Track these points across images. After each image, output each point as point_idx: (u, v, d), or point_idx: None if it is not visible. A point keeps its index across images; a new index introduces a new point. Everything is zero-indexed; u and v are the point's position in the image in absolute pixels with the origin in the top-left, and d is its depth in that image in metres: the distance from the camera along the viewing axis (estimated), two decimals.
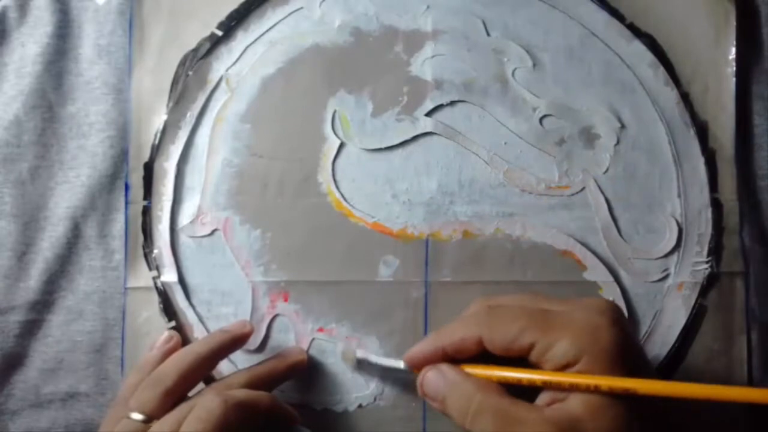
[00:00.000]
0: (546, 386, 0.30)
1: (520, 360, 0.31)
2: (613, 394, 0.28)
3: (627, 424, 0.28)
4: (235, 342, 0.41)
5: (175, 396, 0.36)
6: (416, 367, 0.34)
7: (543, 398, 0.30)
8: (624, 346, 0.29)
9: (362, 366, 0.43)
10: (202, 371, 0.38)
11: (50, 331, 0.44)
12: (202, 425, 0.32)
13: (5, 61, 0.45)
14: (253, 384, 0.38)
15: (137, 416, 0.34)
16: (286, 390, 0.44)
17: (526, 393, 0.31)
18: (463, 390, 0.31)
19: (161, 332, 0.43)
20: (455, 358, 0.33)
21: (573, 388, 0.29)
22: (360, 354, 0.42)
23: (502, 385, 0.31)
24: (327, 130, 0.45)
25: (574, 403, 0.28)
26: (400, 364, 0.37)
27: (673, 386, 0.28)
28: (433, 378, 0.33)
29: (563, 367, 0.29)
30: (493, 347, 0.31)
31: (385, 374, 0.43)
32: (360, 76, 0.45)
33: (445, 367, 0.32)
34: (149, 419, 0.34)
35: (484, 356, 0.32)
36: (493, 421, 0.29)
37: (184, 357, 0.38)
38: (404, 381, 0.43)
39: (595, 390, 0.28)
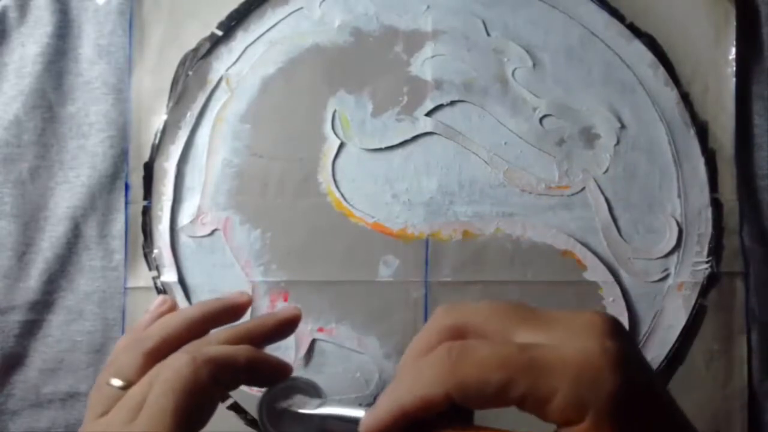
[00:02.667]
0: None
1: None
2: None
3: None
4: (229, 310, 0.37)
5: (156, 359, 0.32)
6: None
7: None
8: (631, 388, 0.24)
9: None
10: (189, 336, 0.34)
11: (50, 331, 0.44)
12: (169, 386, 0.29)
13: (5, 61, 0.45)
14: (236, 341, 0.33)
15: (116, 382, 0.31)
16: None
17: None
18: None
19: None
20: (421, 419, 0.25)
21: None
22: (314, 411, 0.33)
23: None
24: (327, 130, 0.45)
25: None
26: (359, 416, 0.28)
27: None
28: None
29: (566, 423, 0.24)
30: (466, 402, 0.24)
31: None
32: (360, 76, 0.45)
33: None
34: (128, 385, 0.31)
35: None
36: None
37: (171, 320, 0.35)
38: None
39: None
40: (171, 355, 0.32)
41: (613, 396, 0.23)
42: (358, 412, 0.29)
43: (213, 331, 0.35)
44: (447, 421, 0.25)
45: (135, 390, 0.30)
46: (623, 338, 0.24)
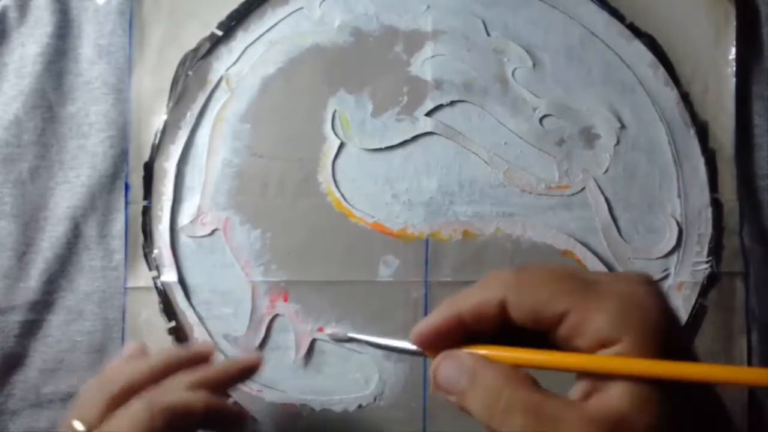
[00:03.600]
0: (584, 372, 0.25)
1: (541, 339, 0.26)
2: (662, 383, 0.23)
3: (681, 417, 0.24)
4: (193, 360, 0.37)
5: (117, 405, 0.33)
6: (426, 345, 0.28)
7: (579, 388, 0.25)
8: (673, 325, 0.24)
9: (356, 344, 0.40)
10: (152, 382, 0.35)
11: (50, 331, 0.44)
12: None
13: (5, 61, 0.45)
14: (197, 387, 0.35)
15: (78, 426, 0.32)
16: (287, 390, 0.44)
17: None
18: (487, 382, 0.25)
19: (161, 332, 0.43)
20: (474, 331, 0.27)
21: (617, 376, 0.24)
22: (352, 335, 0.37)
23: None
24: (327, 130, 0.45)
25: (618, 396, 0.24)
26: (406, 345, 0.29)
27: (734, 371, 0.23)
28: (449, 367, 0.26)
29: (600, 345, 0.24)
30: (519, 313, 0.25)
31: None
32: (360, 76, 0.45)
33: (465, 354, 0.26)
34: (89, 429, 0.32)
35: (503, 334, 0.27)
36: (525, 421, 0.24)
37: (136, 366, 0.36)
38: (404, 380, 0.43)
39: (644, 379, 0.23)
40: (129, 402, 0.33)
41: (654, 324, 0.24)
42: (404, 342, 0.30)
43: (176, 377, 0.35)
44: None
45: None
46: (662, 290, 0.27)
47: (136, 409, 0.32)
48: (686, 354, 0.25)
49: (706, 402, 0.25)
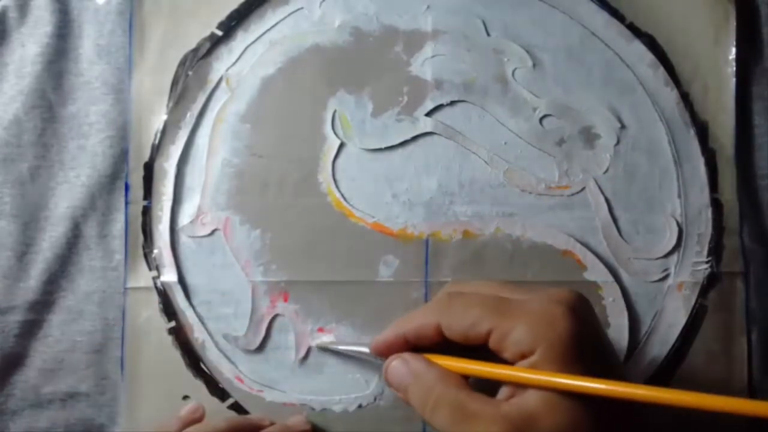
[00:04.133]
0: (503, 381, 0.29)
1: (487, 347, 0.31)
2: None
3: (585, 422, 0.28)
4: (253, 428, 0.41)
5: None
6: (381, 354, 0.34)
7: (504, 391, 0.30)
8: (581, 336, 0.28)
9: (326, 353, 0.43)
10: None
11: (50, 331, 0.44)
12: None
13: (5, 61, 0.45)
14: None
15: None
16: (287, 390, 0.44)
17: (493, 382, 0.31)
18: (424, 381, 0.31)
19: (161, 332, 0.43)
20: (418, 346, 0.33)
21: (529, 385, 0.28)
22: (319, 342, 0.43)
23: (467, 377, 0.31)
24: (327, 130, 0.45)
25: (532, 399, 0.28)
26: (365, 350, 0.37)
27: (629, 388, 0.27)
28: (397, 367, 0.32)
29: (520, 356, 0.29)
30: (451, 334, 0.31)
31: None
32: (360, 76, 0.45)
33: (409, 356, 0.32)
34: None
35: (450, 345, 0.32)
36: (449, 415, 0.29)
37: (199, 430, 0.39)
38: None
39: (550, 388, 0.28)
40: None
41: (560, 337, 0.28)
42: (362, 348, 0.39)
43: None
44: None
45: None
46: (582, 304, 0.30)
47: None
48: (602, 362, 0.29)
49: (615, 410, 0.28)
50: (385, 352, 0.34)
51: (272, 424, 0.42)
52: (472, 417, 0.28)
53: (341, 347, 0.43)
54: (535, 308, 0.29)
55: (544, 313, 0.29)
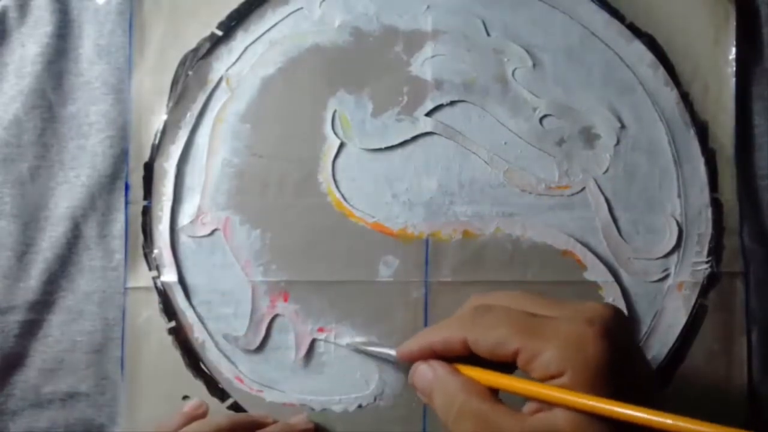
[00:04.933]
0: (530, 398, 0.29)
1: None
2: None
3: None
4: (257, 426, 0.41)
5: None
6: (408, 361, 0.34)
7: (530, 405, 0.29)
8: (612, 360, 0.28)
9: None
10: None
11: (50, 331, 0.44)
12: None
13: (5, 61, 0.45)
14: None
15: None
16: (287, 390, 0.44)
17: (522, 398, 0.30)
18: (448, 388, 0.31)
19: (161, 332, 0.43)
20: (446, 356, 0.32)
21: (557, 404, 0.28)
22: (351, 342, 0.43)
23: (495, 389, 0.31)
24: (327, 130, 0.45)
25: (560, 418, 0.28)
26: (392, 354, 0.37)
27: (659, 417, 0.27)
28: (423, 371, 0.32)
29: (549, 378, 0.28)
30: (478, 351, 0.30)
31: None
32: (360, 76, 0.45)
33: (436, 363, 0.32)
34: None
35: (479, 357, 0.32)
36: (472, 425, 0.29)
37: (202, 428, 0.39)
38: (404, 381, 0.43)
39: (578, 410, 0.27)
40: None
41: (590, 361, 0.27)
42: (391, 351, 0.38)
43: None
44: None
45: None
46: (617, 323, 0.29)
47: None
48: (633, 387, 0.28)
49: None
50: (412, 359, 0.33)
51: (275, 422, 0.42)
52: (495, 429, 0.28)
53: (370, 348, 0.42)
54: (566, 329, 0.28)
55: (574, 335, 0.28)
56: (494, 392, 0.30)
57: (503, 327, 0.29)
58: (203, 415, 0.42)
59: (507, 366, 0.30)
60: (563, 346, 0.28)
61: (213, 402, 0.43)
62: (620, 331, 0.29)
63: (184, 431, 0.38)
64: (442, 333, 0.32)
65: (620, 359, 0.28)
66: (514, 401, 0.29)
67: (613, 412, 0.26)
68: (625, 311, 0.44)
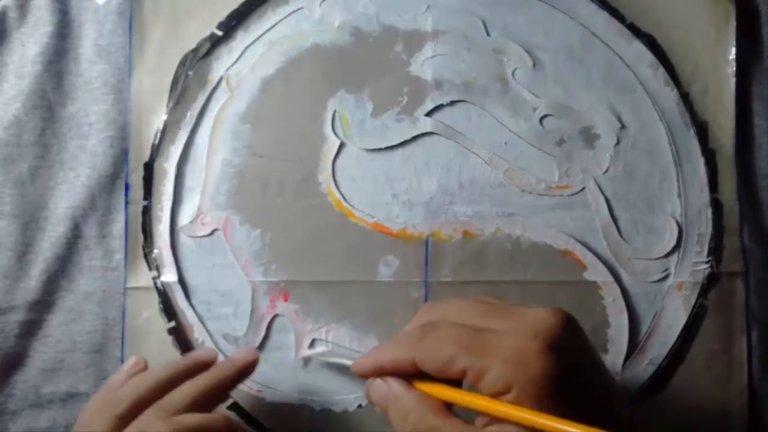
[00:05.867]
0: (480, 412, 0.29)
1: None
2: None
3: None
4: (198, 370, 0.39)
5: (128, 421, 0.34)
6: (361, 378, 0.34)
7: (482, 419, 0.30)
8: (557, 376, 0.27)
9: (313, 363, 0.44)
10: (159, 397, 0.36)
11: (50, 331, 0.44)
12: None
13: (5, 61, 0.45)
14: (204, 396, 0.36)
15: None
16: (286, 390, 0.44)
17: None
18: (403, 404, 0.31)
19: (161, 332, 0.43)
20: (398, 374, 0.32)
21: (504, 419, 0.28)
22: (310, 352, 0.43)
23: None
24: (327, 130, 0.45)
25: (509, 430, 0.28)
26: (349, 364, 0.36)
27: None
28: (378, 387, 0.32)
29: (497, 394, 0.28)
30: (427, 371, 0.30)
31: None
32: (360, 76, 0.45)
33: (390, 379, 0.32)
34: None
35: None
36: None
37: (142, 381, 0.37)
38: None
39: (522, 425, 0.27)
40: (147, 419, 0.34)
41: (534, 378, 0.27)
42: (347, 361, 0.38)
43: (180, 388, 0.36)
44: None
45: None
46: (565, 333, 0.29)
47: (160, 430, 0.33)
48: (585, 398, 0.28)
49: None
50: (365, 377, 0.34)
51: (216, 357, 0.40)
52: None
53: (329, 359, 0.43)
54: (509, 345, 0.28)
55: (518, 352, 0.28)
56: (448, 406, 0.30)
57: (449, 346, 0.29)
58: (142, 370, 0.40)
59: (459, 380, 0.30)
60: (507, 364, 0.28)
61: None
62: (568, 341, 0.29)
63: (124, 389, 0.36)
64: (392, 354, 0.32)
65: (568, 372, 0.28)
66: (469, 414, 0.29)
67: (552, 428, 0.26)
68: (625, 311, 0.44)
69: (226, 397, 0.40)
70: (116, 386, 0.37)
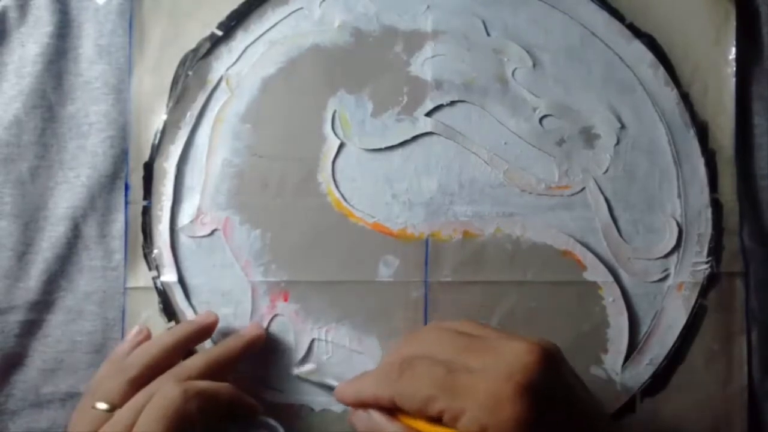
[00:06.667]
0: None
1: None
2: None
3: None
4: (200, 332, 0.42)
5: (139, 385, 0.36)
6: (344, 404, 0.36)
7: None
8: (531, 418, 0.28)
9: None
10: (167, 361, 0.39)
11: (50, 331, 0.44)
12: (161, 413, 0.33)
13: (5, 61, 0.45)
14: (213, 367, 0.39)
15: (101, 405, 0.36)
16: (287, 391, 0.44)
17: None
18: None
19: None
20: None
21: None
22: (301, 371, 0.44)
23: None
24: (327, 130, 0.45)
25: None
26: (335, 385, 0.38)
27: None
28: (361, 418, 0.34)
29: None
30: (406, 409, 0.31)
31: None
32: (360, 76, 0.45)
33: (373, 411, 0.33)
34: (113, 408, 0.35)
35: None
36: None
37: (149, 347, 0.39)
38: None
39: None
40: (161, 383, 0.36)
41: (506, 423, 0.28)
42: (333, 382, 0.41)
43: (192, 358, 0.39)
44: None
45: (123, 413, 0.34)
46: (543, 371, 0.29)
47: (173, 391, 0.34)
48: None
49: None
50: (347, 404, 0.35)
51: (217, 319, 0.42)
52: None
53: (314, 379, 0.43)
54: (484, 387, 0.29)
55: (491, 395, 0.28)
56: None
57: (426, 387, 0.30)
58: (146, 338, 0.42)
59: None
60: (481, 407, 0.28)
61: None
62: (545, 380, 0.29)
63: (133, 355, 0.39)
64: (372, 390, 0.33)
65: (542, 414, 0.28)
66: None
67: None
68: (625, 311, 0.44)
69: (233, 369, 0.42)
70: (123, 354, 0.40)
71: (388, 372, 0.32)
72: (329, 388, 0.41)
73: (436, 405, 0.29)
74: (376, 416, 0.33)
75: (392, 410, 0.32)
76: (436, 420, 0.30)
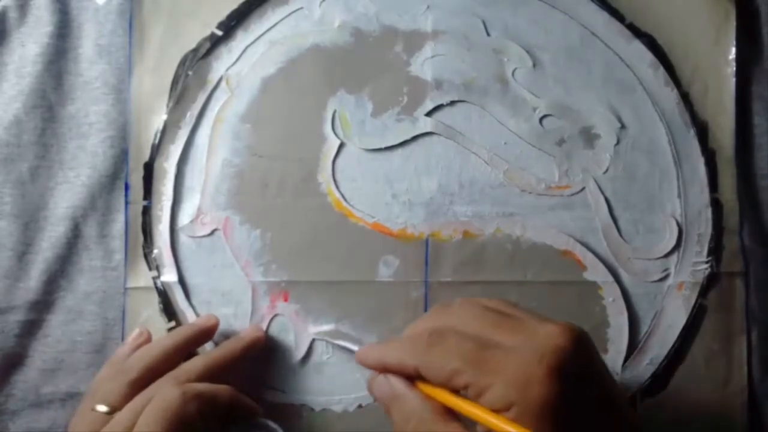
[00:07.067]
0: (479, 423, 0.29)
1: None
2: None
3: None
4: (200, 335, 0.42)
5: (139, 387, 0.37)
6: (365, 366, 0.35)
7: (482, 427, 0.29)
8: (559, 400, 0.27)
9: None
10: (168, 363, 0.39)
11: (50, 331, 0.44)
12: (161, 415, 0.33)
13: (5, 61, 0.45)
14: (212, 369, 0.39)
15: (101, 407, 0.36)
16: (287, 391, 0.44)
17: None
18: (406, 405, 0.31)
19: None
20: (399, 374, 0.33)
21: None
22: (318, 331, 0.44)
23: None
24: (327, 130, 0.45)
25: None
26: (355, 350, 0.38)
27: None
28: (381, 383, 0.33)
29: (497, 410, 0.28)
30: (430, 380, 0.31)
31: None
32: (360, 76, 0.45)
33: (393, 378, 0.33)
34: (112, 410, 0.35)
35: None
36: None
37: (150, 350, 0.39)
38: None
39: None
40: (160, 385, 0.36)
41: (534, 401, 0.27)
42: (352, 346, 0.42)
43: (192, 360, 0.39)
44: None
45: (123, 415, 0.34)
46: (572, 354, 0.29)
47: (172, 393, 0.34)
48: (585, 424, 0.28)
49: None
50: (367, 367, 0.34)
51: (217, 323, 0.43)
52: None
53: (336, 341, 0.43)
54: (514, 365, 0.28)
55: (522, 374, 0.28)
56: (450, 410, 0.30)
57: (454, 360, 0.29)
58: (147, 340, 0.42)
59: None
60: (509, 384, 0.28)
61: None
62: (576, 365, 0.29)
63: (133, 358, 0.39)
64: (397, 356, 0.32)
65: (571, 399, 0.28)
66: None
67: None
68: (625, 311, 0.44)
69: (233, 371, 0.41)
70: (124, 356, 0.40)
71: (415, 341, 0.32)
72: (350, 351, 0.42)
73: (462, 378, 0.29)
74: (397, 384, 0.32)
75: (411, 378, 0.32)
76: (456, 392, 0.30)
